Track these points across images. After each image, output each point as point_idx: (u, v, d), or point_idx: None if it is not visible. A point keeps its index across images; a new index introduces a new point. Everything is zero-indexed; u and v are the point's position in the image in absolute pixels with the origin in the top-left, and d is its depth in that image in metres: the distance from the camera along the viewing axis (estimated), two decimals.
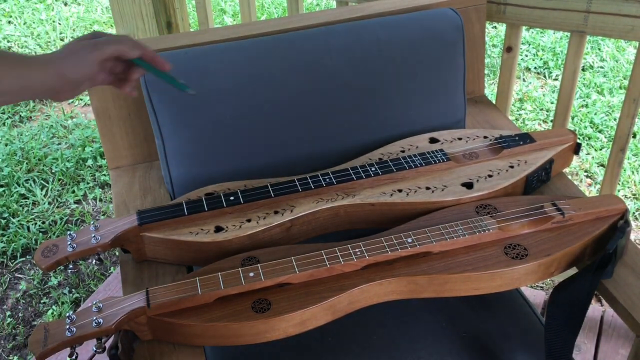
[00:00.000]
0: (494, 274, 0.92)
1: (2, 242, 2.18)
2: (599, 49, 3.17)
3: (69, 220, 2.32)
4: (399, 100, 1.25)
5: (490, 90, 2.78)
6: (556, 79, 2.99)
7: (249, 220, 1.01)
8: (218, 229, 1.00)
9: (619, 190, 2.31)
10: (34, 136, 2.77)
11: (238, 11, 3.70)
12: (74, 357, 0.83)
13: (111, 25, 3.76)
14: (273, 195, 1.05)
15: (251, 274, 0.89)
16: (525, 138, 1.18)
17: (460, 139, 1.20)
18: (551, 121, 2.24)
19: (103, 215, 2.35)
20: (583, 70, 3.01)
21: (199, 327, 0.85)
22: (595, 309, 1.76)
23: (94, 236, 0.97)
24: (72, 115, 2.94)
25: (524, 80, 3.01)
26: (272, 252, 0.96)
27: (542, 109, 2.79)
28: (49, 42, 3.58)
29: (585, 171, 2.43)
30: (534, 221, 0.99)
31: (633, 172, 2.40)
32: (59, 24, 3.76)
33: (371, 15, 1.32)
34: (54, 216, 2.32)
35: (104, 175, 2.54)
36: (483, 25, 1.43)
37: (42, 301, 1.98)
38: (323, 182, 1.07)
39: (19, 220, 2.27)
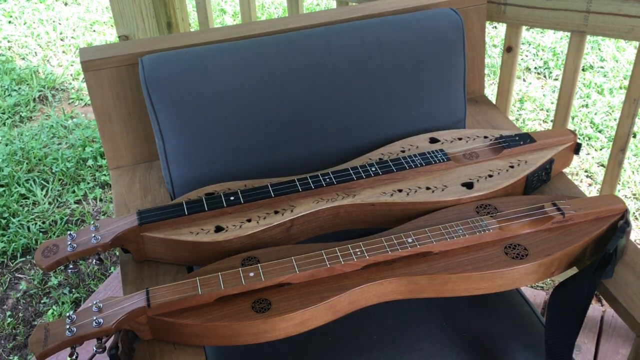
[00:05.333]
0: (494, 274, 0.92)
1: (2, 242, 2.18)
2: (599, 49, 3.17)
3: (69, 220, 2.32)
4: (399, 100, 1.25)
5: (490, 90, 2.78)
6: (556, 79, 2.99)
7: (249, 220, 1.01)
8: (218, 229, 1.00)
9: (619, 190, 2.31)
10: (34, 136, 2.77)
11: (238, 11, 3.70)
12: (74, 357, 0.83)
13: (111, 25, 3.76)
14: (273, 195, 1.05)
15: (251, 274, 0.89)
16: (526, 138, 1.18)
17: (460, 139, 1.20)
18: (551, 121, 2.24)
19: (103, 215, 2.36)
20: (583, 70, 3.01)
21: (199, 327, 0.85)
22: (595, 309, 1.76)
23: (94, 236, 0.97)
24: (72, 115, 2.94)
25: (524, 80, 3.01)
26: (272, 252, 0.96)
27: (542, 109, 2.79)
28: (49, 42, 3.58)
29: (586, 171, 2.43)
30: (534, 221, 0.99)
31: (633, 172, 2.40)
32: (59, 24, 3.76)
33: (371, 15, 1.32)
34: (54, 216, 2.32)
35: (104, 175, 2.54)
36: (483, 25, 1.43)
37: (42, 301, 1.98)
38: (323, 182, 1.07)
39: (19, 220, 2.27)
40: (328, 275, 0.91)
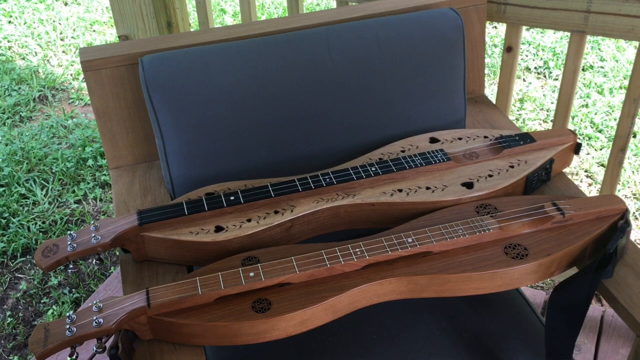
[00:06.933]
0: (494, 274, 0.92)
1: (2, 242, 2.19)
2: (599, 49, 3.17)
3: (69, 220, 2.32)
4: (399, 100, 1.25)
5: (490, 90, 2.78)
6: (556, 79, 2.99)
7: (249, 220, 1.01)
8: (218, 229, 1.00)
9: (619, 190, 2.31)
10: (34, 136, 2.77)
11: (238, 11, 3.70)
12: (74, 356, 0.83)
13: (111, 25, 3.76)
14: (273, 195, 1.05)
15: (251, 274, 0.89)
16: (526, 138, 1.18)
17: (460, 138, 1.20)
18: (551, 121, 2.24)
19: (103, 215, 2.36)
20: (583, 70, 3.01)
21: (199, 327, 0.85)
22: (595, 309, 1.76)
23: (94, 236, 0.97)
24: (72, 115, 2.94)
25: (524, 80, 3.01)
26: (272, 252, 0.96)
27: (542, 109, 2.79)
28: (49, 42, 3.58)
29: (586, 171, 2.43)
30: (534, 221, 0.99)
31: (633, 172, 2.40)
32: (59, 24, 3.76)
33: (371, 15, 1.32)
34: (54, 216, 2.32)
35: (104, 175, 2.54)
36: (483, 25, 1.43)
37: (42, 301, 1.98)
38: (323, 182, 1.07)
39: (19, 220, 2.27)
40: (328, 275, 0.91)
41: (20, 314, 1.94)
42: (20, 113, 2.96)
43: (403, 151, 1.18)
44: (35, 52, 3.50)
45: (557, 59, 3.11)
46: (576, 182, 2.21)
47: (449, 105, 1.30)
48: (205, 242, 0.98)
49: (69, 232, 0.99)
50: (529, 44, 3.25)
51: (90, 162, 2.60)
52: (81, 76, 3.25)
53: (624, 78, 2.93)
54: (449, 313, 1.11)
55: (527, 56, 3.16)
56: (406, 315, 1.11)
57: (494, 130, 1.23)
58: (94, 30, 3.72)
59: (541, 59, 3.13)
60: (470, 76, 1.46)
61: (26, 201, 2.39)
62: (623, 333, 1.68)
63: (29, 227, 2.26)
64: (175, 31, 1.88)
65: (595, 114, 2.70)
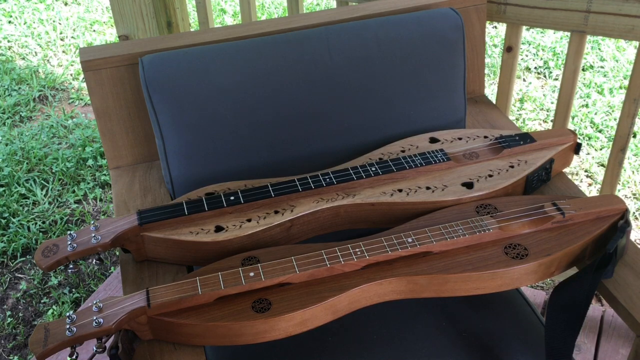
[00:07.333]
0: (494, 274, 0.92)
1: (2, 242, 2.19)
2: (599, 49, 3.17)
3: (69, 220, 2.32)
4: (399, 100, 1.25)
5: (490, 90, 2.78)
6: (556, 79, 2.99)
7: (249, 220, 1.01)
8: (218, 229, 1.00)
9: (619, 190, 2.31)
10: (34, 136, 2.77)
11: (238, 11, 3.70)
12: (74, 356, 0.83)
13: (111, 25, 3.76)
14: (273, 195, 1.05)
15: (251, 274, 0.89)
16: (526, 138, 1.18)
17: (460, 138, 1.20)
18: (551, 121, 2.24)
19: (103, 215, 2.36)
20: (583, 70, 3.01)
21: (199, 327, 0.85)
22: (595, 309, 1.76)
23: (94, 236, 0.97)
24: (72, 115, 2.94)
25: (524, 80, 3.01)
26: (272, 252, 0.96)
27: (542, 109, 2.79)
28: (49, 42, 3.58)
29: (586, 171, 2.43)
30: (534, 221, 0.99)
31: (633, 172, 2.40)
32: (59, 24, 3.76)
33: (371, 15, 1.32)
34: (54, 216, 2.32)
35: (104, 175, 2.54)
36: (483, 25, 1.43)
37: (42, 301, 1.98)
38: (323, 182, 1.07)
39: (19, 220, 2.27)
40: (328, 275, 0.91)
41: (20, 314, 1.94)
42: (20, 113, 2.96)
43: (403, 151, 1.18)
44: (35, 52, 3.50)
45: (557, 59, 3.11)
46: (576, 182, 2.21)
47: (449, 105, 1.30)
48: (205, 242, 0.98)
49: (69, 232, 0.99)
50: (529, 44, 3.25)
51: (90, 162, 2.60)
52: (81, 76, 3.25)
53: (624, 78, 2.93)
54: (449, 313, 1.11)
55: (527, 56, 3.16)
56: (406, 315, 1.11)
57: (494, 130, 1.23)
58: (94, 30, 3.72)
59: (541, 59, 3.13)
60: (470, 76, 1.46)
61: (26, 201, 2.39)
62: (623, 333, 1.68)
63: (29, 227, 2.26)
64: (175, 31, 1.88)
65: (595, 114, 2.70)
